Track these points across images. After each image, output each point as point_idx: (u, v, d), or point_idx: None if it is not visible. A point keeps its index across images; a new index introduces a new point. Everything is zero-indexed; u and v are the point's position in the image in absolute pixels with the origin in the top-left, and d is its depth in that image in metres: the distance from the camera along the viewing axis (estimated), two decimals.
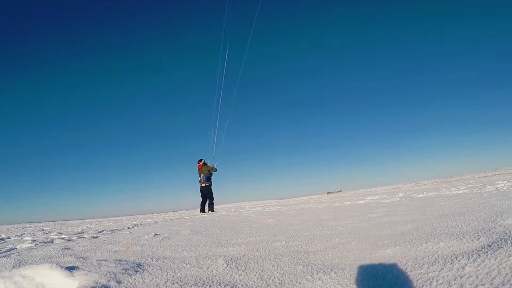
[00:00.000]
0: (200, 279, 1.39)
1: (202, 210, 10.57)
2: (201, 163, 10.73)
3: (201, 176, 10.61)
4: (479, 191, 5.11)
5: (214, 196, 10.73)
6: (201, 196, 10.65)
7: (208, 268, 1.58)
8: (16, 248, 3.07)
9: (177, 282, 1.35)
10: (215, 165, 10.71)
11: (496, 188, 5.46)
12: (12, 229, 9.84)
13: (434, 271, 1.15)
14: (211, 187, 10.66)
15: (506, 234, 1.43)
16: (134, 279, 1.43)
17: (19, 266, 1.73)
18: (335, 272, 1.32)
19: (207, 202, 10.61)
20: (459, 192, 5.79)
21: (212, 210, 10.53)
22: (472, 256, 1.20)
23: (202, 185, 10.59)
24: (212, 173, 10.69)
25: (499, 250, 1.19)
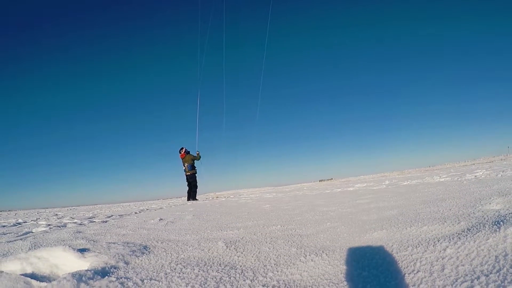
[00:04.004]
0: (201, 260, 1.39)
1: (189, 198, 10.05)
2: (183, 152, 10.04)
3: (185, 165, 9.96)
4: (459, 179, 5.14)
5: (198, 185, 10.10)
6: (188, 185, 10.06)
7: (209, 250, 1.59)
8: (32, 232, 3.07)
9: (180, 263, 1.35)
10: (199, 153, 10.09)
11: (475, 176, 5.50)
12: (28, 214, 9.84)
13: (418, 252, 1.16)
14: (196, 175, 10.08)
15: (484, 218, 1.44)
16: (141, 260, 1.44)
17: (34, 248, 1.73)
18: (326, 254, 1.33)
19: (190, 190, 10.02)
20: (441, 180, 5.83)
21: (195, 199, 9.87)
22: (453, 239, 1.20)
23: (187, 174, 9.97)
24: (195, 161, 10.12)
25: (477, 233, 1.19)
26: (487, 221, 1.36)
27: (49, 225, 3.73)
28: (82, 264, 1.38)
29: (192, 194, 9.92)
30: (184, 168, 10.02)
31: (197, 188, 10.03)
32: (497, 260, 0.95)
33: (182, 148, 10.05)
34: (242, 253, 1.48)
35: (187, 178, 10.02)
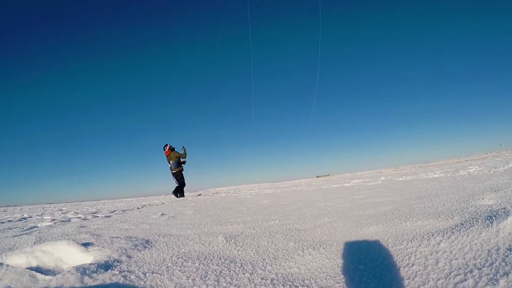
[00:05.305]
0: (202, 254, 1.39)
1: (177, 194, 9.40)
2: (167, 149, 9.36)
3: (171, 162, 9.33)
4: (453, 175, 5.15)
5: (185, 182, 9.43)
6: (175, 182, 9.42)
7: (210, 244, 1.59)
8: (37, 226, 3.07)
9: (181, 257, 1.35)
10: (184, 149, 9.41)
11: (468, 172, 5.51)
12: (34, 209, 9.84)
13: (413, 247, 1.16)
14: (183, 172, 9.41)
15: (477, 213, 1.44)
16: (143, 254, 1.44)
17: (39, 243, 1.73)
18: (323, 248, 1.33)
19: (178, 187, 9.36)
20: (435, 176, 5.84)
21: (182, 196, 9.18)
22: (446, 233, 1.21)
23: (173, 171, 9.30)
24: (181, 159, 9.43)
25: (471, 228, 1.20)
26: (480, 216, 1.37)
27: (54, 220, 3.73)
28: (86, 258, 1.38)
29: (180, 192, 9.21)
30: (169, 166, 9.41)
31: (184, 185, 9.40)
32: (490, 254, 0.95)
33: (166, 145, 9.43)
34: (241, 247, 1.48)
35: (173, 176, 9.38)
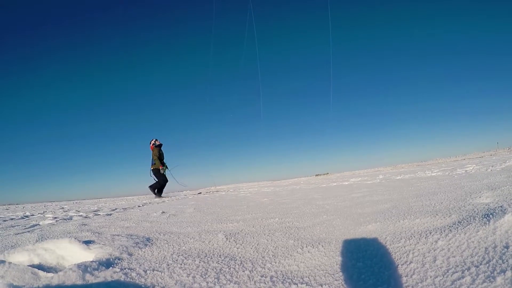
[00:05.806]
0: (202, 252, 1.39)
1: (158, 191, 8.82)
2: (151, 144, 8.71)
3: (152, 158, 8.71)
4: (450, 174, 5.15)
5: (166, 179, 8.78)
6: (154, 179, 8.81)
7: (210, 242, 1.59)
8: (39, 224, 3.07)
9: (182, 255, 1.35)
10: (164, 167, 8.71)
11: (466, 170, 5.51)
12: (36, 207, 9.83)
13: (411, 244, 1.16)
14: (160, 170, 8.72)
15: (475, 211, 1.44)
16: (144, 252, 1.44)
17: (41, 240, 1.73)
18: (322, 246, 1.33)
19: (157, 185, 8.64)
20: (433, 174, 5.84)
21: (160, 195, 8.58)
22: (444, 231, 1.21)
23: (152, 168, 8.69)
24: (161, 157, 8.68)
25: (468, 226, 1.20)
26: (477, 214, 1.37)
27: (56, 218, 3.73)
28: (87, 255, 1.38)
29: (151, 187, 8.57)
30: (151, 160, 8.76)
31: (164, 183, 8.72)
32: (487, 251, 0.95)
33: (152, 139, 8.81)
34: (241, 245, 1.48)
35: (153, 173, 8.72)
